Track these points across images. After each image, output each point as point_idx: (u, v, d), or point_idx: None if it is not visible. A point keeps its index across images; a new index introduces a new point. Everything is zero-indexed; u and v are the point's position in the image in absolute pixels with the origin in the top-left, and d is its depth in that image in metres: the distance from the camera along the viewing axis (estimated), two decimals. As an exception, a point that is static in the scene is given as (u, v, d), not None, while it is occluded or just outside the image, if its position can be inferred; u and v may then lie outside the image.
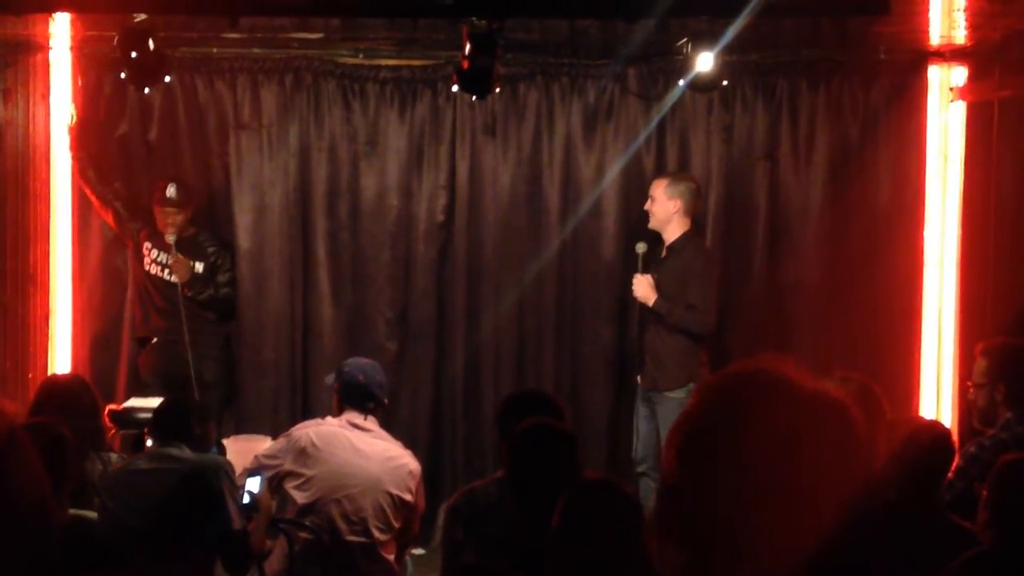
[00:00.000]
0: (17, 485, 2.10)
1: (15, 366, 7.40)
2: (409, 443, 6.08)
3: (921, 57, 7.54)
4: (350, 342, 7.65)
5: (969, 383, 5.72)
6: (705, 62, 6.50)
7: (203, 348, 7.42)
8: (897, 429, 4.85)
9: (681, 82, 6.75)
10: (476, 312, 7.73)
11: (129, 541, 4.84)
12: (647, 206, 7.20)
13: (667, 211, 7.13)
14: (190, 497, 4.89)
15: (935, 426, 4.99)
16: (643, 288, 7.06)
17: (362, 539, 5.53)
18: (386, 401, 5.92)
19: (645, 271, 7.10)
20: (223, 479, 4.97)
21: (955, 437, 5.14)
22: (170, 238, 7.37)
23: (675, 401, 6.84)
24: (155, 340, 7.56)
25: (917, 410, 7.53)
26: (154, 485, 4.90)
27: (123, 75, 6.51)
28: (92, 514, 4.92)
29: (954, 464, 4.98)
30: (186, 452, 5.02)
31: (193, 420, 5.17)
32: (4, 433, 2.14)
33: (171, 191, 7.37)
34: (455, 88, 6.52)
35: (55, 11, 6.53)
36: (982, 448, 5.31)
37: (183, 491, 4.88)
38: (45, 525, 2.15)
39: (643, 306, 7.11)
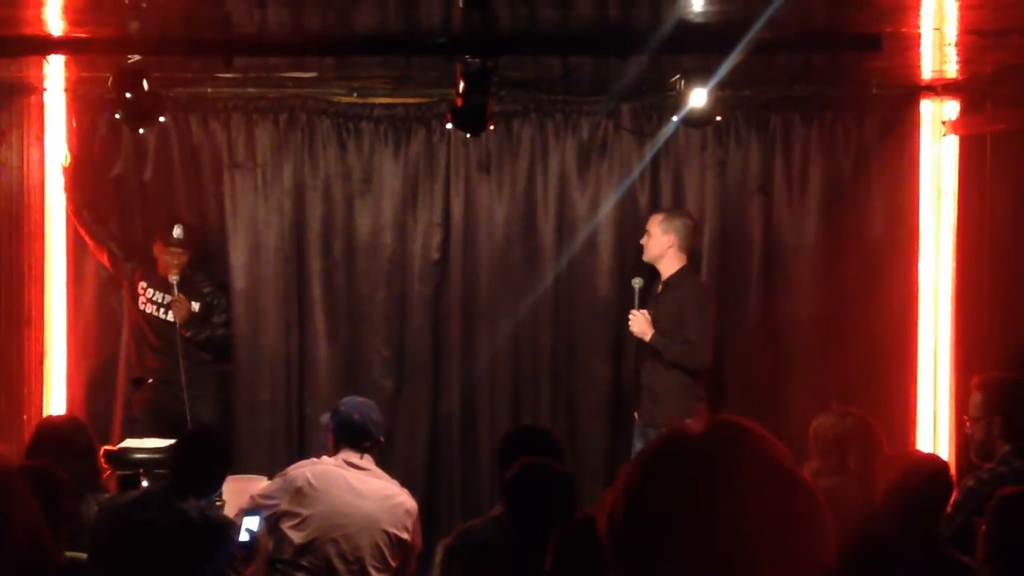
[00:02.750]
0: (12, 525, 2.10)
1: (10, 407, 7.37)
2: (406, 481, 6.06)
3: (913, 91, 7.56)
4: (346, 380, 7.63)
5: (966, 417, 5.71)
6: (698, 98, 6.50)
7: (199, 388, 7.40)
8: (895, 463, 4.85)
9: (674, 118, 6.75)
10: (472, 349, 7.71)
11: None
12: (643, 240, 7.23)
13: (661, 246, 7.15)
14: (193, 559, 4.82)
15: (933, 460, 4.99)
16: (640, 324, 7.06)
17: (359, 579, 5.51)
18: (382, 439, 5.90)
19: (641, 307, 7.10)
20: (229, 544, 4.91)
21: (953, 471, 5.12)
22: (173, 278, 7.37)
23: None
24: (150, 380, 7.54)
25: (914, 444, 7.51)
26: (158, 539, 4.81)
27: (117, 116, 6.51)
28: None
29: (952, 498, 4.97)
30: (195, 507, 4.92)
31: (214, 472, 5.13)
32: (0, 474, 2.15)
33: (178, 232, 7.38)
34: (449, 126, 6.56)
35: (49, 53, 6.55)
36: (980, 482, 5.30)
37: (187, 552, 4.80)
38: (40, 564, 2.14)
39: (640, 341, 7.11)
